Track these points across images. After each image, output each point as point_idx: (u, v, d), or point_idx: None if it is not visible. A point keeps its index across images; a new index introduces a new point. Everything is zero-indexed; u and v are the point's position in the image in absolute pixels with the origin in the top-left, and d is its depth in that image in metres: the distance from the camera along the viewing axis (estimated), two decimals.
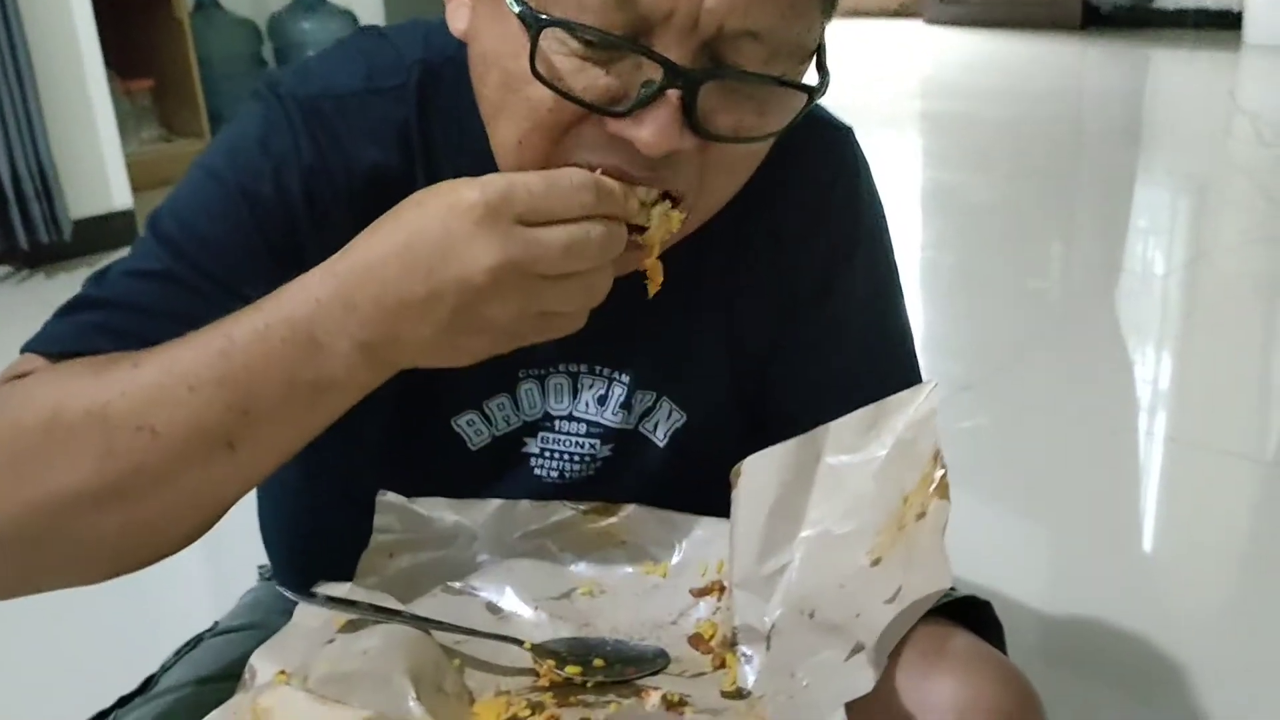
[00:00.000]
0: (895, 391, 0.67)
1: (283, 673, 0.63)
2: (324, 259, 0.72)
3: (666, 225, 0.66)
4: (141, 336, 0.66)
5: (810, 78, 0.67)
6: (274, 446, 0.64)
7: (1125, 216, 3.53)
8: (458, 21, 0.70)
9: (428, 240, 0.59)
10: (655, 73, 0.61)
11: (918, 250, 3.10)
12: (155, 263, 0.71)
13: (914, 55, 6.23)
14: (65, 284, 3.08)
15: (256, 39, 4.40)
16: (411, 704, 0.60)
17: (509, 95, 0.65)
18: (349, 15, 4.46)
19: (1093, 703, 1.39)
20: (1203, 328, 2.71)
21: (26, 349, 0.70)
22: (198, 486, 0.62)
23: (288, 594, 0.68)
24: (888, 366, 0.85)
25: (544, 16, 0.60)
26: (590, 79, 0.62)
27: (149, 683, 0.84)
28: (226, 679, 0.82)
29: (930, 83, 5.29)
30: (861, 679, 0.52)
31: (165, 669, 0.86)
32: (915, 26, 6.78)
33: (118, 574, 0.65)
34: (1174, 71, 5.61)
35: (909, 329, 0.88)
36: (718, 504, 0.91)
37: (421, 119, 0.76)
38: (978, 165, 4.11)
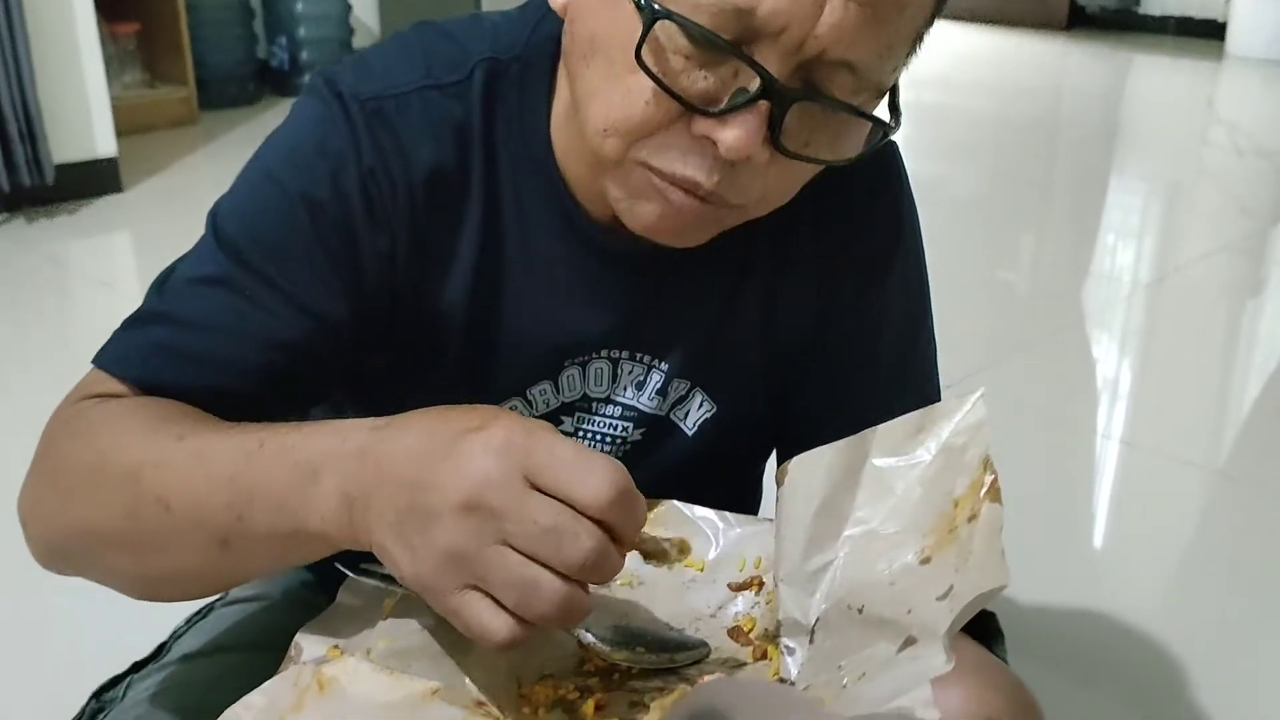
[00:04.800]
0: (916, 403, 0.69)
1: (336, 648, 0.64)
2: (378, 262, 0.75)
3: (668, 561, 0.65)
4: (201, 356, 0.72)
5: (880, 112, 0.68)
6: (259, 560, 0.67)
7: (1098, 219, 3.57)
8: None
9: (439, 443, 0.57)
10: (751, 82, 0.62)
11: None
12: (215, 267, 0.73)
13: None
14: (45, 228, 3.04)
15: None
16: (467, 682, 0.62)
17: (609, 82, 0.65)
18: None
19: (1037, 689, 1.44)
20: (1166, 334, 2.76)
21: (96, 364, 0.73)
22: (195, 566, 0.66)
23: (343, 569, 0.69)
24: (912, 377, 0.88)
25: (658, 7, 0.61)
26: (690, 80, 0.63)
27: (161, 650, 0.85)
28: (236, 647, 0.84)
29: (915, 74, 5.28)
30: (936, 661, 0.54)
31: (177, 636, 0.87)
32: None
33: (149, 600, 0.70)
34: (1155, 77, 5.66)
35: (934, 341, 0.90)
36: (736, 495, 0.93)
37: (485, 118, 0.76)
38: (958, 159, 4.14)
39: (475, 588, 0.56)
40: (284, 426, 0.64)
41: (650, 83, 0.63)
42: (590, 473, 0.55)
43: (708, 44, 0.61)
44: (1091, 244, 3.35)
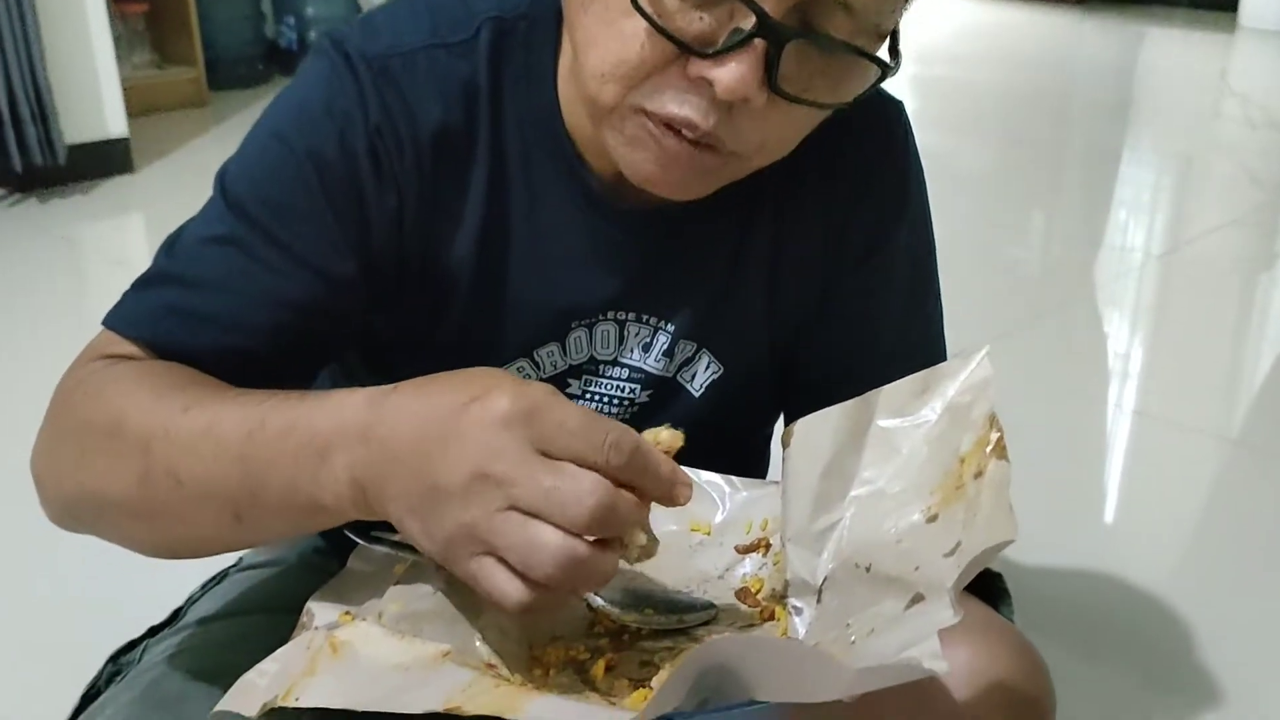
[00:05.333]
0: (922, 366, 0.69)
1: (347, 613, 0.64)
2: (385, 221, 0.75)
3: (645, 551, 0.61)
4: (210, 316, 0.72)
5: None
6: (273, 530, 0.68)
7: (1110, 191, 3.55)
8: None
9: (443, 419, 0.57)
10: (746, 21, 0.62)
11: None
12: (224, 227, 0.73)
13: (911, 19, 6.20)
14: (58, 209, 3.05)
15: None
16: (479, 644, 0.62)
17: (605, 27, 0.65)
18: None
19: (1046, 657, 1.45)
20: (1178, 306, 2.75)
21: (106, 324, 0.74)
22: (209, 535, 0.67)
23: (353, 536, 0.70)
24: (919, 340, 0.88)
25: None
26: (686, 20, 0.63)
27: (176, 615, 0.86)
28: (251, 612, 0.84)
29: (926, 47, 5.27)
30: (943, 615, 0.54)
31: (192, 601, 0.87)
32: None
33: (158, 558, 0.71)
34: (1168, 49, 5.62)
35: (940, 304, 0.90)
36: (742, 459, 0.93)
37: (492, 77, 0.76)
38: (969, 132, 4.12)
39: (489, 553, 0.56)
40: (286, 399, 0.63)
41: (646, 24, 0.63)
42: (598, 436, 0.55)
43: None
44: (1104, 217, 3.34)
